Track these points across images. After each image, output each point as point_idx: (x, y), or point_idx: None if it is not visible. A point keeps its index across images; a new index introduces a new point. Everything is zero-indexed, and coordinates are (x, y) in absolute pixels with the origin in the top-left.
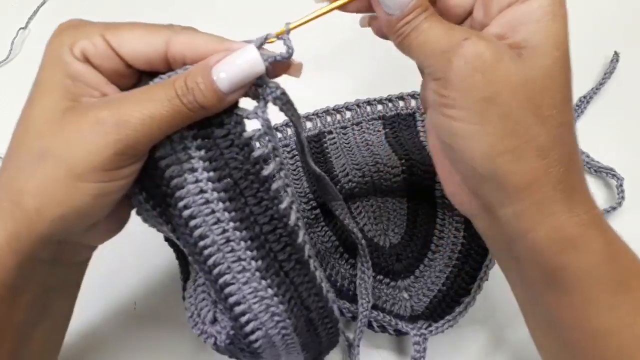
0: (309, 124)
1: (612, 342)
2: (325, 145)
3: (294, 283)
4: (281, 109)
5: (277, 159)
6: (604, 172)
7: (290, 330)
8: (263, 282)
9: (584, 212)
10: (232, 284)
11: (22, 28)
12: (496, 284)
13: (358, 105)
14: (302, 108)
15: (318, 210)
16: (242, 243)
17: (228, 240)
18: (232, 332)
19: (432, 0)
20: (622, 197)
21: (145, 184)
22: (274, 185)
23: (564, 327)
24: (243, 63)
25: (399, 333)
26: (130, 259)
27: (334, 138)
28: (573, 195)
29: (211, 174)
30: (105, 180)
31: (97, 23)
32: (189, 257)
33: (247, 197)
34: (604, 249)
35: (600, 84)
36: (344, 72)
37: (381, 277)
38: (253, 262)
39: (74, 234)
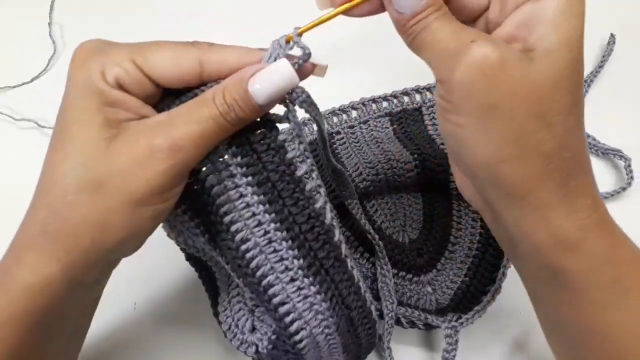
0: (315, 126)
1: (617, 343)
2: (335, 146)
3: (334, 281)
4: (307, 111)
5: (309, 160)
6: (611, 154)
7: (332, 330)
8: (306, 280)
9: (586, 215)
10: (276, 284)
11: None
12: None
13: (363, 104)
14: None
15: (334, 212)
16: (284, 243)
17: (270, 242)
18: (274, 337)
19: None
20: (632, 177)
21: (184, 196)
22: (308, 186)
23: (570, 326)
24: (279, 79)
25: (429, 327)
26: (130, 259)
27: (342, 138)
28: (576, 198)
29: (250, 178)
30: (162, 202)
31: (123, 46)
32: (227, 265)
33: (284, 198)
34: (606, 251)
35: (600, 66)
36: (346, 72)
37: (403, 273)
38: (295, 261)
39: (124, 255)
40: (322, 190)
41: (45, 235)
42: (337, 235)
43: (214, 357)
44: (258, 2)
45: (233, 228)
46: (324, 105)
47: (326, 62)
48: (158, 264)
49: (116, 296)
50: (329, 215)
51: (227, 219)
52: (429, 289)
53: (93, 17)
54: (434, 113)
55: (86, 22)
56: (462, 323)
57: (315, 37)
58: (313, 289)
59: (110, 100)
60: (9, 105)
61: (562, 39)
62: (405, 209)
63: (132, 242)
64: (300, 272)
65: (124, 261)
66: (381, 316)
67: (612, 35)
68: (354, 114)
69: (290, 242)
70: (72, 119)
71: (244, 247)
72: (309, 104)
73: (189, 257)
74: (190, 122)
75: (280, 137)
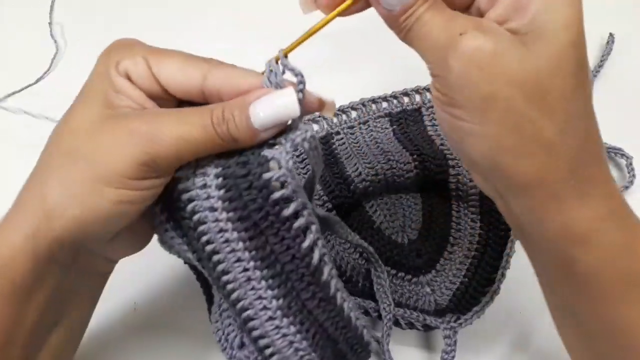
0: (315, 126)
1: (629, 338)
2: (334, 146)
3: (318, 320)
4: (307, 153)
5: (299, 199)
6: (612, 153)
7: None
8: (285, 319)
9: (600, 205)
10: (255, 319)
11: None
12: (521, 272)
13: (363, 104)
14: None
15: (334, 212)
16: (263, 282)
17: (249, 279)
18: (260, 358)
19: None
20: (633, 176)
21: (173, 213)
22: (296, 224)
23: (582, 317)
24: (280, 105)
25: (428, 328)
26: (130, 259)
27: (342, 138)
28: (588, 188)
29: (230, 214)
30: (126, 188)
31: (145, 46)
32: (213, 285)
33: (267, 235)
34: (620, 244)
35: (599, 66)
36: (346, 72)
37: (402, 274)
38: (274, 301)
39: (91, 241)
40: (314, 227)
41: (19, 201)
42: (326, 273)
43: (214, 357)
44: (260, 2)
45: (215, 258)
46: None
47: (332, 98)
48: (158, 264)
49: (116, 296)
50: (317, 255)
51: (208, 247)
52: (428, 290)
53: (93, 17)
54: (434, 114)
55: (86, 21)
56: (461, 324)
57: (314, 38)
58: (293, 328)
59: (116, 86)
60: (18, 108)
61: (557, 20)
62: (404, 209)
63: (92, 222)
64: (279, 312)
65: (124, 261)
66: (380, 316)
67: (611, 35)
68: (353, 114)
69: (270, 280)
70: (82, 96)
71: (225, 278)
72: (312, 147)
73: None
74: (178, 121)
75: (267, 176)
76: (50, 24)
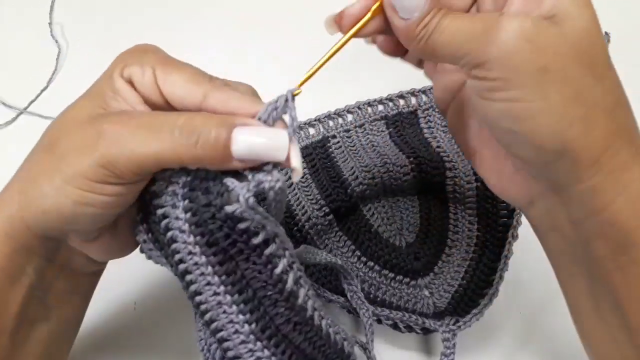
0: (311, 130)
1: None
2: (331, 150)
3: (294, 342)
4: (268, 204)
5: (268, 228)
6: None
7: None
8: (259, 343)
9: None
10: (229, 340)
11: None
12: (519, 274)
13: (359, 107)
14: (303, 114)
15: (331, 216)
16: (234, 307)
17: (220, 303)
18: None
19: None
20: None
21: (151, 226)
22: (267, 251)
23: (629, 309)
24: (271, 144)
25: (426, 331)
26: (130, 259)
27: (338, 142)
28: None
29: (198, 238)
30: (88, 190)
31: (159, 55)
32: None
33: (238, 261)
34: None
35: None
36: (342, 75)
37: (401, 277)
38: (246, 326)
39: (69, 238)
40: (287, 252)
41: (7, 184)
42: (302, 296)
43: None
44: (260, 2)
45: (187, 278)
46: (319, 109)
47: (302, 168)
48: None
49: (116, 296)
50: (291, 280)
51: (181, 267)
52: (426, 293)
53: (93, 17)
54: (430, 116)
55: (86, 21)
56: (459, 326)
57: (311, 41)
58: (267, 352)
59: (114, 87)
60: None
61: (576, 1)
62: (401, 212)
63: (54, 217)
64: (251, 336)
65: (124, 261)
66: (379, 321)
67: (606, 34)
68: (349, 117)
69: (242, 305)
70: (85, 94)
71: (197, 298)
72: (276, 200)
73: None
74: (144, 126)
75: (229, 209)
76: (50, 24)
